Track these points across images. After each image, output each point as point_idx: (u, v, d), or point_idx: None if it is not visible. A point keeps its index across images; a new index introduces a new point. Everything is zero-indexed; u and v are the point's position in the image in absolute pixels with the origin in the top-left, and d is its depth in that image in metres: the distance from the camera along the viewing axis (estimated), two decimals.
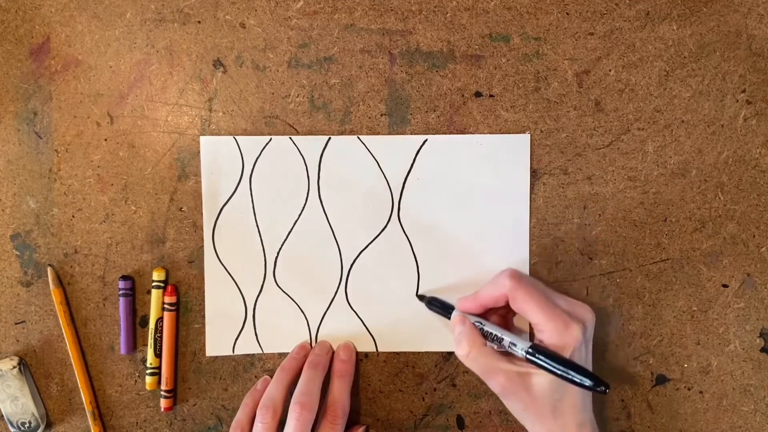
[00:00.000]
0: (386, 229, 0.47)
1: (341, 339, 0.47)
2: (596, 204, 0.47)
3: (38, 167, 0.46)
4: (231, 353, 0.46)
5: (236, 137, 0.46)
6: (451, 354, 0.47)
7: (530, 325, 0.44)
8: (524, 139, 0.46)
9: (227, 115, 0.46)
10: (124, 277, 0.46)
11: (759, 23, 0.46)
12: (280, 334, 0.47)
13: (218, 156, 0.46)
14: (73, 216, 0.46)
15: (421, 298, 0.46)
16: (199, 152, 0.46)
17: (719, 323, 0.47)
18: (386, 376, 0.47)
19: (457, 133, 0.46)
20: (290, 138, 0.46)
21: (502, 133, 0.46)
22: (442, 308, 0.45)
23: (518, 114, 0.46)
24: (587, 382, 0.38)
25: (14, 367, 0.45)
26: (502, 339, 0.42)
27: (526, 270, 0.47)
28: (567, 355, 0.39)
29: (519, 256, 0.47)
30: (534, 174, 0.46)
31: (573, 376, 0.38)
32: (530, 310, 0.40)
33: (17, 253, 0.46)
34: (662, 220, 0.47)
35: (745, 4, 0.46)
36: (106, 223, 0.46)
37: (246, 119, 0.46)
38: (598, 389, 0.38)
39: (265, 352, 0.47)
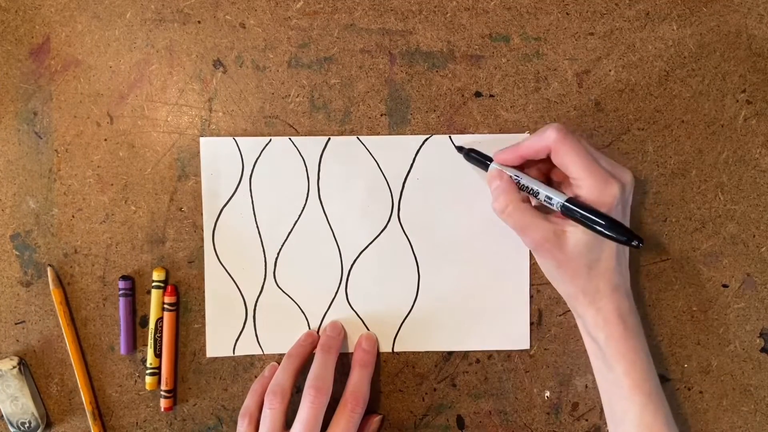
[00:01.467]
0: (386, 229, 0.47)
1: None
2: None
3: (38, 167, 0.46)
4: (231, 354, 0.46)
5: (236, 138, 0.46)
6: (451, 354, 0.47)
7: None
8: (524, 139, 0.46)
9: (227, 115, 0.46)
10: (124, 277, 0.46)
11: (759, 23, 0.46)
12: (281, 334, 0.47)
13: (218, 157, 0.46)
14: (73, 216, 0.46)
15: (459, 149, 0.45)
16: (199, 152, 0.46)
17: (719, 323, 0.47)
18: (386, 376, 0.47)
19: (457, 133, 0.46)
20: (290, 139, 0.46)
21: (502, 133, 0.46)
22: (480, 159, 0.44)
23: (518, 114, 0.46)
24: (621, 237, 0.38)
25: (14, 367, 0.45)
26: (539, 192, 0.41)
27: (526, 269, 0.47)
28: (604, 211, 0.39)
29: (519, 256, 0.47)
30: None
31: (607, 229, 0.38)
32: (572, 163, 0.39)
33: (17, 253, 0.46)
34: (662, 220, 0.47)
35: (745, 4, 0.46)
36: (106, 223, 0.46)
37: (246, 119, 0.46)
38: (632, 243, 0.38)
39: (265, 353, 0.47)
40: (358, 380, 0.44)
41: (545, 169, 0.44)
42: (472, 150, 0.45)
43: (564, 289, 0.42)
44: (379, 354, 0.47)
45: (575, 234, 0.39)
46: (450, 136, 0.46)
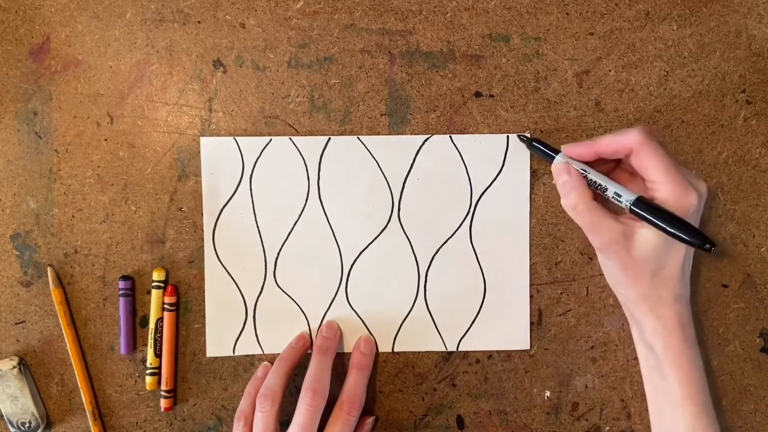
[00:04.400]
0: (386, 229, 0.47)
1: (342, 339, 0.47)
2: None
3: (38, 167, 0.46)
4: (232, 354, 0.46)
5: (236, 138, 0.46)
6: (451, 354, 0.47)
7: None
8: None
9: (227, 115, 0.46)
10: (124, 277, 0.46)
11: (759, 23, 0.46)
12: (281, 334, 0.47)
13: (218, 157, 0.46)
14: (73, 216, 0.46)
15: (521, 138, 0.45)
16: (199, 152, 0.46)
17: (719, 323, 0.47)
18: (386, 376, 0.47)
19: (457, 133, 0.46)
20: (290, 138, 0.46)
21: (502, 133, 0.46)
22: (545, 150, 0.43)
23: (518, 114, 0.46)
24: (695, 239, 0.37)
25: (14, 367, 0.45)
26: (607, 188, 0.40)
27: (526, 269, 0.47)
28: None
29: (519, 256, 0.47)
30: (534, 174, 0.46)
31: (679, 229, 0.37)
32: (654, 166, 0.39)
33: (17, 253, 0.46)
34: None
35: (745, 4, 0.46)
36: (106, 223, 0.46)
37: (246, 119, 0.46)
38: (705, 247, 0.37)
39: (265, 352, 0.47)
40: (355, 383, 0.44)
41: (607, 170, 0.44)
42: (536, 139, 0.44)
43: (624, 292, 0.41)
44: (378, 354, 0.47)
45: (645, 236, 0.39)
46: (450, 136, 0.46)
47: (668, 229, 0.38)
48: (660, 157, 0.39)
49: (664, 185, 0.39)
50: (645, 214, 0.39)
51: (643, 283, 0.40)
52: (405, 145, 0.46)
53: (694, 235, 0.37)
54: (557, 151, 0.43)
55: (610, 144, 0.41)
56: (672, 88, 0.47)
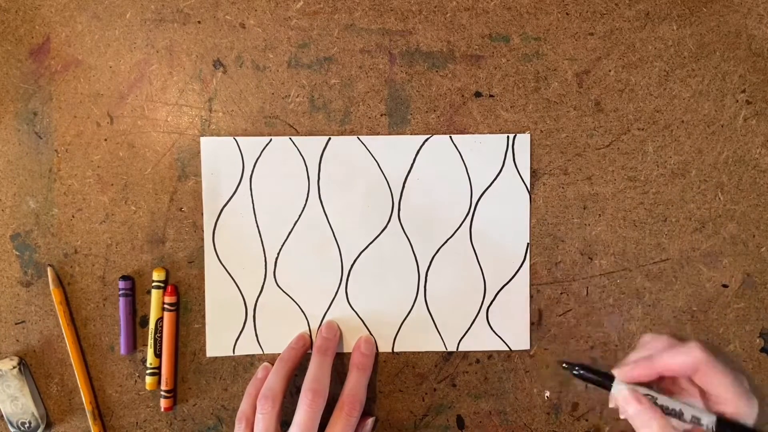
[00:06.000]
0: (386, 229, 0.47)
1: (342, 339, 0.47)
2: (596, 204, 0.47)
3: (38, 167, 0.46)
4: (231, 354, 0.47)
5: (236, 138, 0.46)
6: (451, 354, 0.47)
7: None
8: (524, 139, 0.46)
9: (227, 116, 0.46)
10: (124, 277, 0.46)
11: (759, 23, 0.46)
12: (281, 334, 0.47)
13: (218, 157, 0.46)
14: (73, 216, 0.46)
15: (566, 367, 0.41)
16: (199, 152, 0.46)
17: (719, 323, 0.47)
18: (386, 376, 0.47)
19: (457, 133, 0.46)
20: (290, 138, 0.46)
21: (502, 133, 0.46)
22: (597, 378, 0.40)
23: (518, 114, 0.46)
24: None
25: (14, 367, 0.45)
26: (683, 413, 0.39)
27: (526, 269, 0.47)
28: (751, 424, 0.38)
29: (519, 256, 0.47)
30: (534, 174, 0.46)
31: None
32: (721, 383, 0.38)
33: (17, 253, 0.46)
34: (662, 220, 0.47)
35: (745, 4, 0.46)
36: (106, 223, 0.46)
37: (246, 119, 0.46)
38: None
39: (265, 352, 0.47)
40: (356, 383, 0.44)
41: (660, 380, 0.41)
42: (583, 366, 0.41)
43: None
44: (378, 354, 0.47)
45: None
46: (450, 136, 0.46)
47: None
48: (726, 374, 0.38)
49: (733, 401, 0.38)
50: None
51: None
52: (405, 145, 0.46)
53: None
54: (610, 376, 0.40)
55: (671, 363, 0.39)
56: (672, 88, 0.47)
